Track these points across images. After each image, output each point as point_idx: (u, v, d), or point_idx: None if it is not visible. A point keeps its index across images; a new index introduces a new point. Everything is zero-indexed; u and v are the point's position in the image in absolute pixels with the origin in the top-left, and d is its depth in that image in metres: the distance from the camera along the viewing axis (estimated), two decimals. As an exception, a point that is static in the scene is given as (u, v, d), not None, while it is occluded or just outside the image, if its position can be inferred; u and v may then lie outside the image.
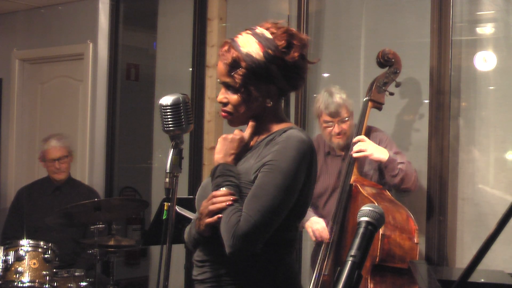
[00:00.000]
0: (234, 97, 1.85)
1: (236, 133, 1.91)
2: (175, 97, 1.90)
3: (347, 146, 3.24)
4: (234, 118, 1.89)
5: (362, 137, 3.15)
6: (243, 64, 1.81)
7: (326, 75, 4.08)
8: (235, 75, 1.82)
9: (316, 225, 3.19)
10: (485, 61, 3.42)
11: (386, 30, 3.77)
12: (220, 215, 1.76)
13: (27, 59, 5.83)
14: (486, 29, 3.52)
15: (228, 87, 1.85)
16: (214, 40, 4.43)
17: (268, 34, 1.83)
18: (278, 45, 1.81)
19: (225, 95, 1.87)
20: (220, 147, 1.89)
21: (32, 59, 5.82)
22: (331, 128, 3.23)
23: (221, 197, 1.77)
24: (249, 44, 1.82)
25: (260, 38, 1.83)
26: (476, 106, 3.43)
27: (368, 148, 3.11)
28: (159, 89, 5.01)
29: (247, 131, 1.92)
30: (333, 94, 3.22)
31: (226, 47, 1.85)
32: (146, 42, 5.68)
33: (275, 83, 1.84)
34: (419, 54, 3.58)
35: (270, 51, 1.81)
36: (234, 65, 1.82)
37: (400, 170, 3.10)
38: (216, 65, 1.97)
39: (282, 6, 4.28)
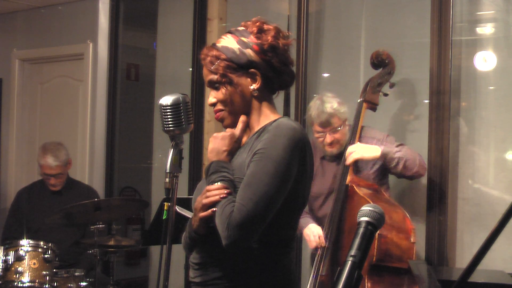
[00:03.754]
0: (220, 93, 1.88)
1: (227, 130, 1.92)
2: (175, 97, 1.90)
3: (341, 154, 3.22)
4: (226, 115, 1.90)
5: (352, 146, 3.12)
6: (222, 56, 1.87)
7: (326, 75, 4.08)
8: (215, 68, 1.86)
9: (315, 233, 3.16)
10: (485, 61, 3.42)
11: (386, 30, 3.77)
12: (214, 209, 1.76)
13: (27, 59, 5.83)
14: (486, 29, 3.52)
15: (213, 84, 1.89)
16: (214, 40, 4.37)
17: (240, 27, 1.93)
18: (251, 32, 1.89)
19: (212, 97, 1.91)
20: (212, 146, 1.90)
21: (32, 59, 5.83)
22: (323, 138, 3.19)
23: (215, 191, 1.77)
24: (224, 40, 1.91)
25: (233, 31, 1.93)
26: (476, 106, 3.43)
27: (357, 151, 3.07)
28: (159, 89, 5.01)
29: (238, 127, 1.91)
30: (324, 103, 3.15)
31: (204, 50, 1.93)
32: (146, 42, 5.68)
33: (256, 67, 1.86)
34: (419, 54, 3.58)
35: (243, 38, 1.88)
36: (212, 61, 1.88)
37: (399, 158, 3.05)
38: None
39: (282, 6, 4.28)
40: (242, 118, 1.90)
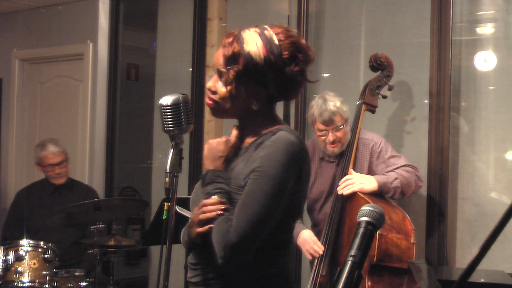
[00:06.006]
0: (222, 90, 1.82)
1: (222, 137, 1.90)
2: (175, 97, 1.89)
3: (341, 154, 3.22)
4: (218, 109, 1.86)
5: (348, 176, 3.13)
6: (241, 61, 1.77)
7: (326, 75, 4.08)
8: (230, 70, 1.78)
9: (307, 244, 3.13)
10: (485, 61, 3.42)
11: (386, 30, 3.77)
12: (211, 225, 1.74)
13: (27, 59, 5.83)
14: (486, 29, 3.52)
15: (221, 77, 1.83)
16: (214, 40, 4.43)
17: (276, 40, 1.78)
18: (282, 54, 1.77)
19: (215, 84, 1.84)
20: (207, 153, 1.87)
21: (32, 59, 5.82)
22: (325, 136, 3.17)
23: (211, 206, 1.75)
24: (253, 43, 1.77)
25: (266, 41, 1.77)
26: (476, 106, 3.43)
27: (356, 183, 3.06)
28: (159, 89, 5.01)
29: (232, 134, 1.90)
30: (327, 101, 3.14)
31: (230, 39, 1.80)
32: (146, 42, 5.69)
33: (266, 88, 1.80)
34: (418, 54, 3.58)
35: (272, 57, 1.76)
36: (232, 59, 1.78)
37: (395, 188, 3.08)
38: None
39: (282, 6, 4.28)
40: (235, 128, 1.90)
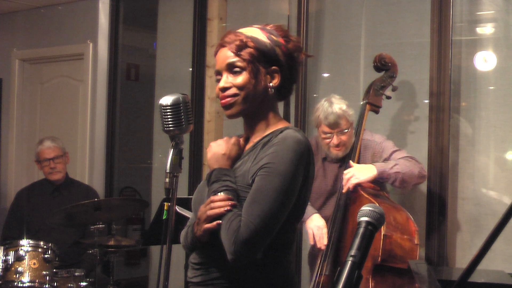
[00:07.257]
0: (240, 78, 1.82)
1: (223, 139, 1.91)
2: (175, 97, 1.89)
3: (344, 156, 3.21)
4: (239, 101, 1.83)
5: (346, 170, 3.12)
6: (250, 44, 1.83)
7: (326, 75, 4.08)
8: (243, 53, 1.82)
9: (317, 230, 3.15)
10: (485, 61, 3.42)
11: (386, 30, 3.77)
12: (219, 221, 1.74)
13: (27, 59, 5.83)
14: (486, 29, 3.52)
15: (232, 68, 1.82)
16: (214, 40, 4.43)
17: (268, 27, 1.91)
18: (278, 35, 1.88)
19: (226, 80, 1.84)
20: (210, 154, 1.88)
21: (32, 59, 5.83)
22: (329, 139, 3.17)
23: (219, 202, 1.75)
24: (253, 32, 1.87)
25: (261, 27, 1.90)
26: (476, 106, 3.43)
27: (355, 175, 3.05)
28: (159, 89, 5.01)
29: (233, 138, 1.91)
30: (333, 104, 3.15)
31: (230, 34, 1.86)
32: (146, 42, 5.69)
33: (279, 67, 1.85)
34: (418, 54, 3.58)
35: (273, 36, 1.86)
36: (241, 45, 1.83)
37: (395, 174, 3.06)
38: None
39: (282, 6, 4.28)
40: (234, 138, 1.91)
